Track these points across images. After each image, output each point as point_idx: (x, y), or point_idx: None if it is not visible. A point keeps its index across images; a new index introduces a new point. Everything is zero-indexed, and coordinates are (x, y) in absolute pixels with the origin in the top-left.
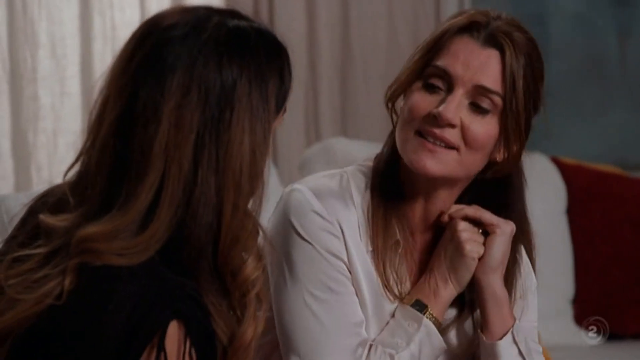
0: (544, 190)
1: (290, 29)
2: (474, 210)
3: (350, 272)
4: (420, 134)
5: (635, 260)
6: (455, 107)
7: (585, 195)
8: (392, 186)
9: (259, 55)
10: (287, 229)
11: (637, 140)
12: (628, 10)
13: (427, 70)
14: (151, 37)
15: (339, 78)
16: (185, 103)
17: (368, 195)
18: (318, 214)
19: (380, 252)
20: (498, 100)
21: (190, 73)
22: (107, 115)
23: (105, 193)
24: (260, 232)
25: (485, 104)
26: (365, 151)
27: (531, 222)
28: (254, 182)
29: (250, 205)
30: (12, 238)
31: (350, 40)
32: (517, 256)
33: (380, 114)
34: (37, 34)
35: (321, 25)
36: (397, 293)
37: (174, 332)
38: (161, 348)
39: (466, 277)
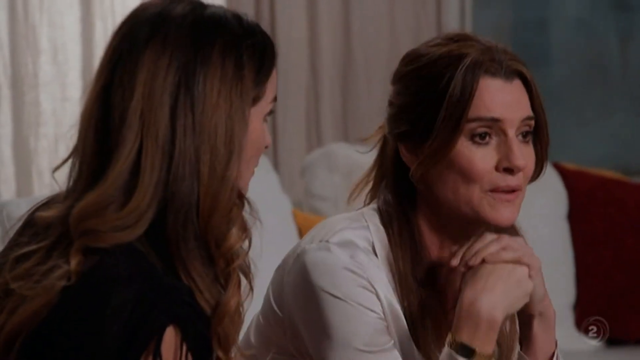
0: (545, 196)
1: (291, 33)
2: (512, 255)
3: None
4: (493, 189)
5: (637, 265)
6: (521, 150)
7: (587, 200)
8: (411, 241)
9: (233, 29)
10: (315, 290)
11: (638, 145)
12: (629, 15)
13: (470, 125)
14: (128, 19)
15: (340, 82)
16: (158, 68)
17: (390, 253)
18: (350, 270)
19: (410, 314)
20: (533, 123)
21: (163, 42)
22: (88, 100)
23: (92, 172)
24: (246, 204)
25: (528, 131)
26: (367, 156)
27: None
28: (230, 146)
29: (229, 173)
30: (12, 244)
31: (352, 44)
32: None
33: (382, 119)
34: (38, 40)
35: (322, 29)
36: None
37: (170, 337)
38: (157, 354)
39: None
